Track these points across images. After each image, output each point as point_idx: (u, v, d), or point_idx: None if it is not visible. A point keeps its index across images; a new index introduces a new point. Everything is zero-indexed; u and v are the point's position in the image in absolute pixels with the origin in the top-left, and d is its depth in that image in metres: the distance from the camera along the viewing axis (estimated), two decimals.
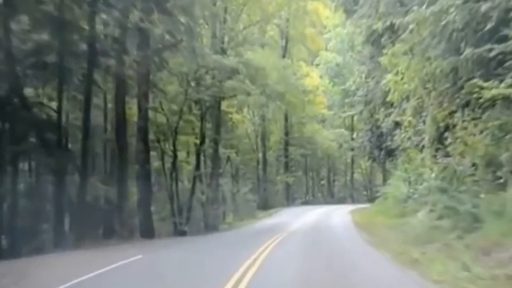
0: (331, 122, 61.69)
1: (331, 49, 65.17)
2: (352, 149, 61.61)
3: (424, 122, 25.75)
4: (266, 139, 45.62)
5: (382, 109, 36.35)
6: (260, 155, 44.63)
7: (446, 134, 17.77)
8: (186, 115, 24.43)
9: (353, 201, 64.27)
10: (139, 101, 21.74)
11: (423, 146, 26.67)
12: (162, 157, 24.71)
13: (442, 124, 18.78)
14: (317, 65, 61.86)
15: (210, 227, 23.30)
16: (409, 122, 29.19)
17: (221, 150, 31.23)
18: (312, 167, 60.29)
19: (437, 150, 19.39)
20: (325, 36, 63.86)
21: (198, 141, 25.61)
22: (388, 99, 30.50)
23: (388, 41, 24.50)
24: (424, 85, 20.29)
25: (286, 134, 48.71)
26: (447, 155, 16.90)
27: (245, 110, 40.99)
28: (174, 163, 24.55)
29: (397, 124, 32.49)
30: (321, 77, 59.08)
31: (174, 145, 24.40)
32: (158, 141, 24.33)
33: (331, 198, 61.84)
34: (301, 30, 48.59)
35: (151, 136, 22.92)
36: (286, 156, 48.45)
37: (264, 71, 28.58)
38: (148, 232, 20.68)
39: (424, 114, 26.29)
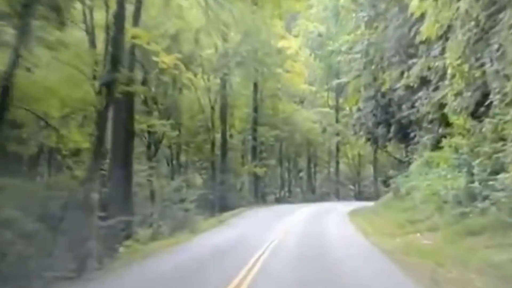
0: (312, 101, 49.86)
1: (312, 18, 53.87)
2: (338, 134, 50.18)
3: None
4: (228, 113, 33.31)
5: (393, 65, 24.65)
6: (218, 135, 32.38)
7: None
8: None
9: (338, 197, 52.96)
10: None
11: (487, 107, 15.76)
12: None
13: None
14: (295, 36, 49.66)
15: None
16: (458, 69, 17.59)
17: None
18: (288, 155, 48.32)
19: None
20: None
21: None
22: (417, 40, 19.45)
23: None
24: None
25: (255, 109, 36.58)
26: None
27: (196, 73, 28.61)
28: None
29: (424, 82, 20.83)
30: (300, 48, 46.86)
31: None
32: None
33: (312, 194, 50.12)
34: None
35: None
36: (255, 139, 36.28)
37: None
38: None
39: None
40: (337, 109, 52.10)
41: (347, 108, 36.44)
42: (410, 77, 21.09)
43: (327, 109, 48.04)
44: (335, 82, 38.38)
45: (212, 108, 30.74)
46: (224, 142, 32.25)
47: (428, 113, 21.36)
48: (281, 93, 38.71)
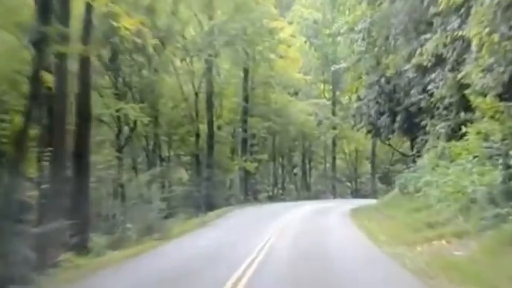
0: (307, 92, 46.73)
1: (308, 5, 50.86)
2: (334, 128, 47.17)
3: None
4: (215, 102, 30.18)
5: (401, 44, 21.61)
6: (204, 127, 29.22)
7: None
8: None
9: (335, 195, 50.01)
10: None
11: None
12: None
13: None
14: (290, 23, 46.60)
15: None
16: (485, 40, 14.51)
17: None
18: (282, 150, 45.26)
19: None
20: None
21: None
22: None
23: None
24: None
25: (246, 99, 33.40)
26: None
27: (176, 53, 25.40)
28: None
29: (439, 61, 17.89)
30: (294, 35, 43.73)
31: None
32: None
33: (307, 191, 47.18)
34: None
35: None
36: (245, 131, 33.12)
37: None
38: None
39: None
40: (334, 101, 49.08)
41: (346, 98, 33.45)
42: (423, 55, 18.03)
43: (323, 100, 44.93)
44: (332, 68, 35.03)
45: (196, 95, 27.52)
46: (211, 134, 29.08)
47: (444, 97, 18.35)
48: (274, 81, 35.49)
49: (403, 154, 30.38)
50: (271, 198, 40.63)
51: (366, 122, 28.93)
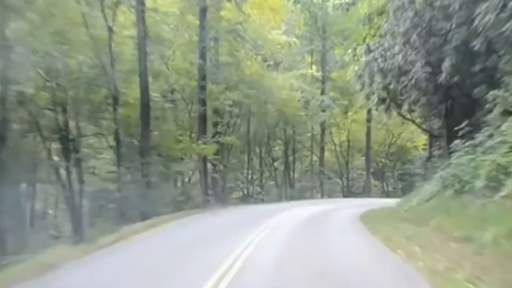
0: (291, 66, 37.10)
1: None
2: (324, 110, 37.77)
3: None
4: (151, 50, 20.33)
5: None
6: (134, 92, 19.48)
7: None
8: None
9: (322, 194, 40.73)
10: None
11: None
12: None
13: None
14: None
15: None
16: None
17: None
18: (260, 139, 35.59)
19: None
20: None
21: None
22: None
23: None
24: None
25: (203, 56, 23.33)
26: None
27: None
28: None
29: None
30: None
31: None
32: None
33: (290, 188, 37.73)
34: None
35: None
36: (203, 102, 23.01)
37: None
38: None
39: None
40: (324, 78, 39.72)
41: (349, 52, 23.79)
42: None
43: (312, 71, 35.43)
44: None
45: (111, 30, 17.62)
46: (145, 102, 19.24)
47: None
48: (245, 36, 25.73)
49: (435, 136, 21.20)
50: (245, 199, 31.05)
51: (380, 86, 19.54)
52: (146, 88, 19.69)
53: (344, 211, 19.09)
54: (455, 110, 18.48)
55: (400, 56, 17.05)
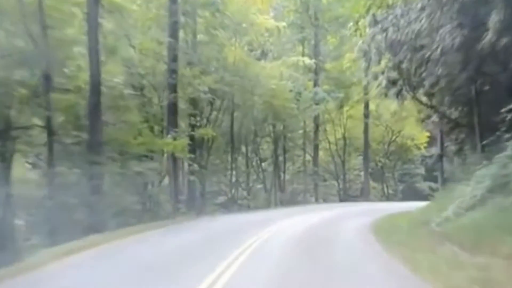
0: (280, 54, 33.03)
1: None
2: (317, 103, 33.78)
3: None
4: (99, 21, 16.13)
5: None
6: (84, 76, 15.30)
7: None
8: None
9: (317, 198, 36.70)
10: None
11: None
12: None
13: None
14: None
15: None
16: None
17: None
18: (245, 134, 31.39)
19: None
20: None
21: None
22: None
23: None
24: None
25: (174, 34, 19.17)
26: None
27: None
28: None
29: None
30: None
31: None
32: None
33: (280, 192, 33.61)
34: None
35: None
36: (174, 89, 18.66)
37: None
38: None
39: None
40: (317, 69, 35.72)
41: (350, 25, 19.73)
42: None
43: (304, 59, 31.37)
44: None
45: None
46: (95, 89, 15.01)
47: None
48: (224, 13, 21.64)
49: (460, 125, 17.24)
50: (228, 205, 26.86)
51: (392, 63, 15.61)
52: (97, 69, 15.46)
53: (348, 222, 15.06)
54: (488, 93, 14.61)
55: (417, 24, 13.09)
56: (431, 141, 42.23)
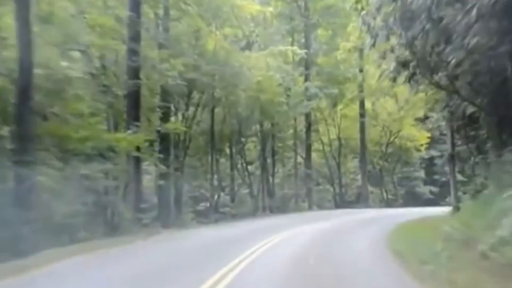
0: (268, 39, 29.66)
1: None
2: (309, 99, 30.47)
3: None
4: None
5: None
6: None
7: None
8: None
9: (311, 205, 33.32)
10: None
11: None
12: None
13: None
14: None
15: None
16: None
17: None
18: (228, 133, 27.90)
19: None
20: None
21: None
22: None
23: None
24: None
25: (135, 8, 15.78)
26: None
27: None
28: None
29: None
30: None
31: None
32: None
33: (269, 198, 30.13)
34: None
35: None
36: (135, 75, 15.15)
37: None
38: None
39: None
40: (308, 62, 32.44)
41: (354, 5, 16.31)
42: None
43: (294, 48, 28.07)
44: None
45: None
46: (26, 69, 11.58)
47: None
48: None
49: (479, 119, 14.01)
50: (207, 214, 23.39)
51: (403, 42, 12.36)
52: (27, 45, 11.98)
53: (355, 238, 11.74)
54: None
55: None
56: (430, 142, 39.51)
